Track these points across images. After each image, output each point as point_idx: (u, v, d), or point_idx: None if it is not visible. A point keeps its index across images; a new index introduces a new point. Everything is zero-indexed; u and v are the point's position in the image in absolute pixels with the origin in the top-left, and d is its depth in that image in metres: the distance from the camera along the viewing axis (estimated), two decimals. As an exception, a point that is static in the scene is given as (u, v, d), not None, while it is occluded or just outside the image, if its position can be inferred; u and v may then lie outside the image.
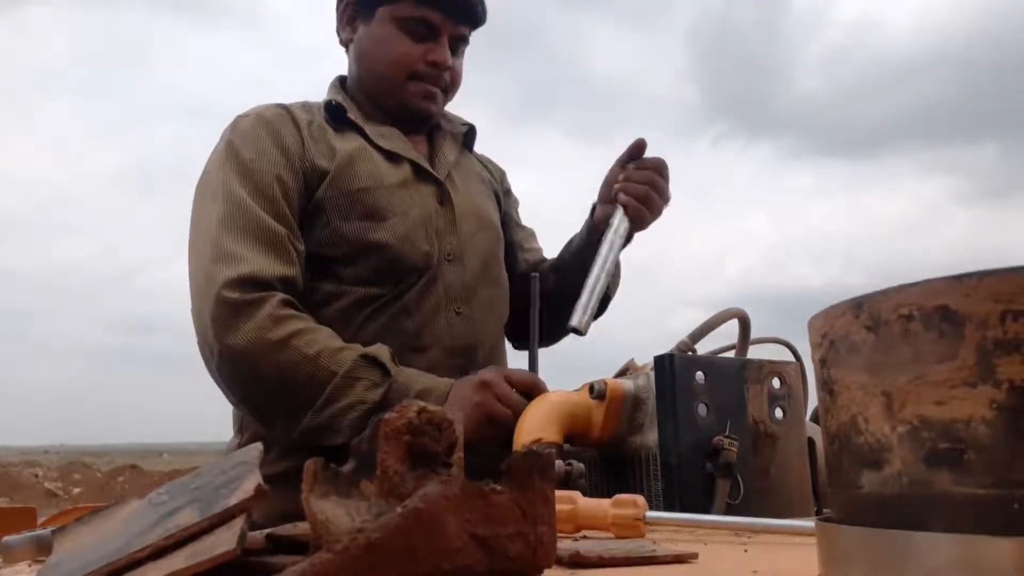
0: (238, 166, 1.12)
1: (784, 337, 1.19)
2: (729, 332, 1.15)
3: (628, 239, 1.17)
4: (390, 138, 1.22)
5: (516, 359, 1.36)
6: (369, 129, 1.21)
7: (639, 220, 1.15)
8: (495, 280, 1.28)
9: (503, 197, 1.42)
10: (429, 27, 1.19)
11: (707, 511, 0.86)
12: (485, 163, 1.42)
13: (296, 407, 1.03)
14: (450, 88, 1.25)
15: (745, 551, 0.64)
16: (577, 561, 0.55)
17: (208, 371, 1.09)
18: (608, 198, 1.20)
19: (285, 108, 1.20)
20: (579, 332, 1.09)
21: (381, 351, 1.05)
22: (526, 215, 1.49)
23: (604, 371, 1.11)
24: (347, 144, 1.18)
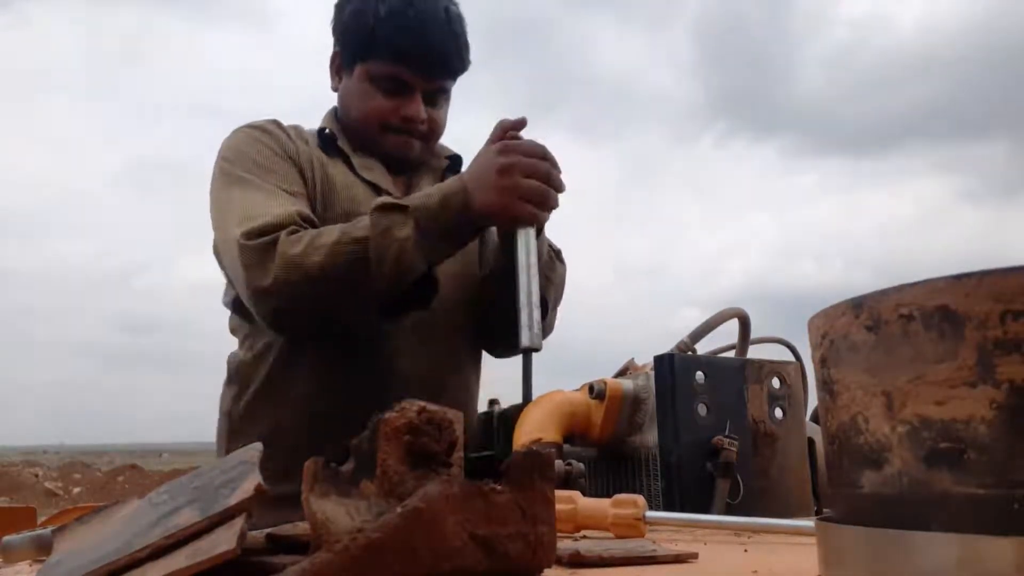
0: (245, 163, 1.15)
1: (788, 337, 1.19)
2: (729, 332, 1.14)
3: (539, 230, 1.11)
4: (372, 170, 1.25)
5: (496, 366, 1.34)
6: (355, 159, 1.25)
7: (538, 223, 1.11)
8: (465, 309, 1.27)
9: None
10: (402, 84, 1.21)
11: (707, 511, 0.86)
12: None
13: (354, 288, 1.04)
14: (429, 136, 1.27)
15: (745, 551, 0.64)
16: (577, 561, 0.55)
17: (262, 315, 1.09)
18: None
19: (278, 124, 1.24)
20: (533, 350, 1.05)
21: (385, 198, 1.07)
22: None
23: (604, 371, 1.10)
24: (334, 169, 1.22)
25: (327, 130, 1.26)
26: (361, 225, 1.04)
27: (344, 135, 1.28)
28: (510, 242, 1.09)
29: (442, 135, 1.30)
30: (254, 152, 1.17)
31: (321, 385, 1.15)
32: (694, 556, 0.58)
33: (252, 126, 1.23)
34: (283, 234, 1.05)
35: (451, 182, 1.08)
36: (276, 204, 1.09)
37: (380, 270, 1.02)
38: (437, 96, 1.25)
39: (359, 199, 1.20)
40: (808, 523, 0.67)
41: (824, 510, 0.80)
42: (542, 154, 1.08)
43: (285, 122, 1.27)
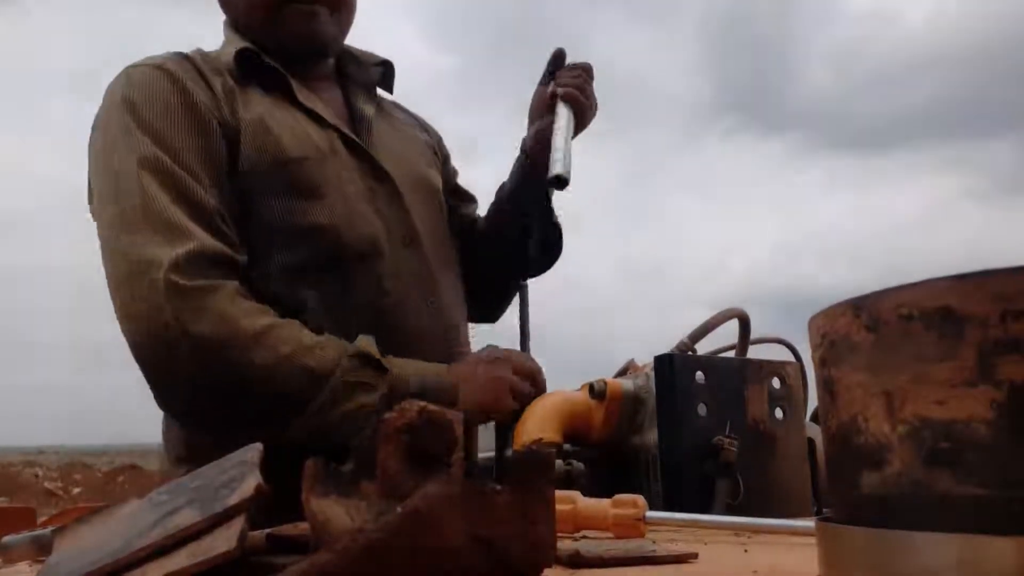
0: (142, 128, 0.91)
1: (791, 337, 1.19)
2: (730, 332, 1.15)
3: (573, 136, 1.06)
4: (308, 96, 1.02)
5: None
6: (294, 81, 1.01)
7: (581, 111, 1.07)
8: (452, 259, 1.13)
9: (442, 165, 1.22)
10: None
11: (707, 511, 0.86)
12: (422, 122, 1.25)
13: (278, 411, 0.87)
14: (338, 6, 1.05)
15: (745, 551, 0.64)
16: (577, 561, 0.55)
17: (150, 368, 0.87)
18: (538, 118, 1.10)
19: (187, 58, 0.98)
20: (564, 180, 0.96)
21: (369, 346, 0.89)
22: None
23: (604, 371, 1.11)
24: (264, 102, 0.98)
25: (248, 50, 0.98)
26: (327, 357, 0.87)
27: (263, 50, 1.00)
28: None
29: (355, 13, 1.08)
30: (164, 121, 0.91)
31: None
32: (694, 556, 0.58)
33: (156, 66, 0.94)
34: (231, 289, 0.87)
35: (432, 368, 0.92)
36: (202, 224, 0.88)
37: (327, 413, 0.86)
38: None
39: (309, 137, 0.97)
40: (808, 523, 0.67)
41: (824, 510, 0.80)
42: (587, 69, 1.10)
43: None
